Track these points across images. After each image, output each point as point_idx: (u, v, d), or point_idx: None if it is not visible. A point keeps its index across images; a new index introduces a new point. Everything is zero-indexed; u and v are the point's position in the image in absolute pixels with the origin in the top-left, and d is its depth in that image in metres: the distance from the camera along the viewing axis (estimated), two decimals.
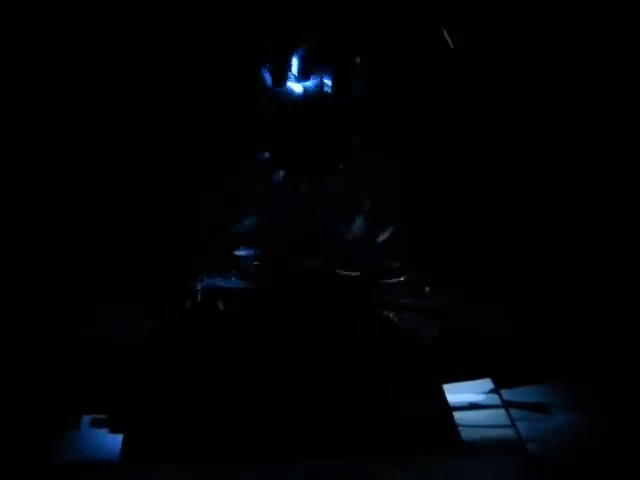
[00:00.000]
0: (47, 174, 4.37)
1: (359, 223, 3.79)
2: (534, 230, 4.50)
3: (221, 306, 3.73)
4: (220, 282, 3.81)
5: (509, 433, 4.04)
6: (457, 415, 4.09)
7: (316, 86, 3.55)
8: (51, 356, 4.32)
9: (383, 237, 3.79)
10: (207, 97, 3.81)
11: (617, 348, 4.52)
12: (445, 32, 3.66)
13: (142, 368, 4.02)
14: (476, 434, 4.00)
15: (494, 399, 4.35)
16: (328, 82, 3.56)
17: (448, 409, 4.04)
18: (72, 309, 4.36)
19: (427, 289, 3.91)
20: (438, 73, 3.89)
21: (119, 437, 4.05)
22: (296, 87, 3.59)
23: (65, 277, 4.37)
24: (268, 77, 3.58)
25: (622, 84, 4.47)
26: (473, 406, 4.25)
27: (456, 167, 4.16)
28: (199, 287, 3.81)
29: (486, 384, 4.45)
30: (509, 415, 4.19)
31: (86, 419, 4.27)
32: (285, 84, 3.57)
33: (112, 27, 3.99)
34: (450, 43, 3.60)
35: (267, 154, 3.68)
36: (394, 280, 3.84)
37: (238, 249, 3.87)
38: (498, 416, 4.20)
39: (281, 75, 3.52)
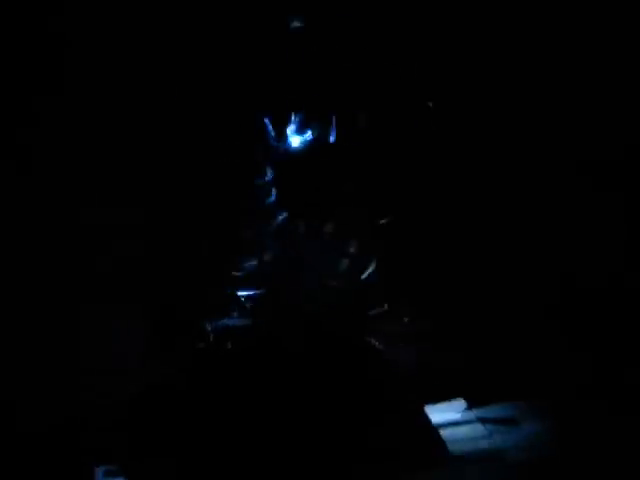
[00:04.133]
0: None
1: (346, 263, 4.29)
2: (500, 261, 5.08)
3: (229, 345, 4.12)
4: (228, 322, 4.19)
5: (487, 444, 4.54)
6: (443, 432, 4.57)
7: (311, 139, 4.10)
8: (63, 410, 4.59)
9: (368, 273, 4.30)
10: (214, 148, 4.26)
11: (570, 368, 5.11)
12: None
13: (150, 413, 4.33)
14: (458, 447, 4.48)
15: (469, 416, 4.87)
16: (322, 134, 4.12)
17: (432, 426, 4.52)
18: (80, 360, 4.65)
19: (405, 319, 4.42)
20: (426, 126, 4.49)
21: None
22: (294, 140, 4.15)
23: (73, 326, 4.67)
24: (270, 132, 4.13)
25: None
26: (452, 423, 4.74)
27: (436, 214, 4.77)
28: (209, 328, 4.19)
29: (460, 404, 4.97)
30: (485, 429, 4.70)
31: (99, 471, 4.57)
32: (285, 139, 4.12)
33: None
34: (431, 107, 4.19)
35: (270, 200, 4.18)
36: (378, 311, 4.34)
37: (240, 289, 4.27)
38: (475, 430, 4.71)
39: (281, 131, 4.09)
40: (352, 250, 4.25)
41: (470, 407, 4.93)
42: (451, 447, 4.45)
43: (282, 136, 4.08)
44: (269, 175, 4.14)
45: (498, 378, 5.04)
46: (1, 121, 4.43)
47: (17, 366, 4.68)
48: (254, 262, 4.24)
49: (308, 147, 4.09)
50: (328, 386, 4.24)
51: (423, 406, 4.62)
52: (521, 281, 5.11)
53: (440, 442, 4.41)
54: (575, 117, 5.04)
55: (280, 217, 4.12)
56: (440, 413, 4.76)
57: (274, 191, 4.16)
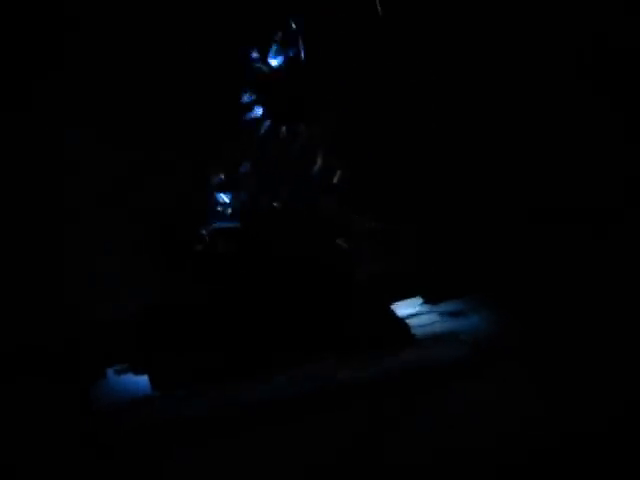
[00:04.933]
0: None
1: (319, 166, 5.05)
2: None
3: (222, 246, 4.80)
4: (219, 225, 4.89)
5: (441, 327, 5.34)
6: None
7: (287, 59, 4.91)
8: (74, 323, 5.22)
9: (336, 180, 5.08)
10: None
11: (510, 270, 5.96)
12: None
13: (156, 315, 4.98)
14: (419, 331, 5.27)
15: (425, 309, 5.69)
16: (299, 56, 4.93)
17: (397, 315, 5.30)
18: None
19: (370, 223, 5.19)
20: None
21: (142, 378, 5.00)
22: (273, 62, 4.96)
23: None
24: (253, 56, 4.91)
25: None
26: (411, 315, 5.54)
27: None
28: (204, 232, 4.88)
29: (416, 301, 5.79)
30: (439, 317, 5.52)
31: (110, 370, 5.22)
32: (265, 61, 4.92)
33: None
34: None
35: (252, 114, 4.93)
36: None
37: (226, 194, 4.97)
38: (431, 319, 5.52)
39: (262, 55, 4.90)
40: (321, 156, 4.99)
41: (425, 303, 5.76)
42: (413, 331, 5.25)
43: (264, 59, 4.84)
44: (250, 93, 4.85)
45: (449, 279, 5.88)
46: None
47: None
48: (239, 169, 4.91)
49: (285, 66, 4.85)
50: (306, 279, 4.98)
51: (388, 301, 5.39)
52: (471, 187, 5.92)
53: (406, 327, 5.19)
54: None
55: (264, 126, 4.85)
56: (400, 309, 5.54)
57: (257, 106, 4.89)
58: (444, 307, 5.70)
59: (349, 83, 5.00)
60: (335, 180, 5.02)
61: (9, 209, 5.39)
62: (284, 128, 4.93)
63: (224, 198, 4.92)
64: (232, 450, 4.13)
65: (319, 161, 4.97)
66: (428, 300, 5.74)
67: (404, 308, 5.60)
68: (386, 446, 3.89)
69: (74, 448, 4.34)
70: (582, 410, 3.90)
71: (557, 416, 3.92)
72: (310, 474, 3.72)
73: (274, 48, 4.84)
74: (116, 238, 5.39)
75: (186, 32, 4.95)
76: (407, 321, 5.34)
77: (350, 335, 5.01)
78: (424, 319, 5.49)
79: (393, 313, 5.28)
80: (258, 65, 4.86)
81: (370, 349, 4.92)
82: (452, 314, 5.59)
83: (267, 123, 4.91)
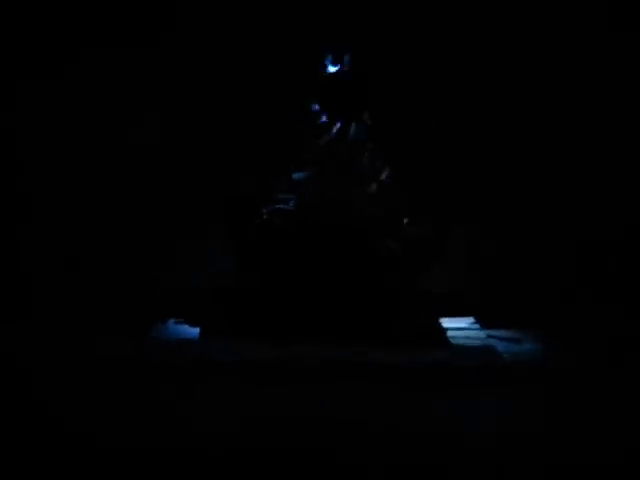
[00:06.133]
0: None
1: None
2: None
3: (279, 222, 5.42)
4: (279, 206, 5.51)
5: (486, 342, 5.45)
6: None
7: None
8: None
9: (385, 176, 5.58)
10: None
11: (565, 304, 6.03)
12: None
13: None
14: (459, 342, 5.43)
15: (476, 326, 5.82)
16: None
17: (441, 325, 5.50)
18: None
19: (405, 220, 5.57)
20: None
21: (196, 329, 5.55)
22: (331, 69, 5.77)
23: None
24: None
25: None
26: (459, 329, 5.70)
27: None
28: (264, 211, 5.51)
29: (468, 320, 5.94)
30: (484, 334, 5.63)
31: (171, 320, 5.85)
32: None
33: None
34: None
35: (315, 108, 5.70)
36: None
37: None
38: (477, 334, 5.65)
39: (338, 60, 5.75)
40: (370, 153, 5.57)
41: (477, 323, 5.89)
42: (453, 341, 5.40)
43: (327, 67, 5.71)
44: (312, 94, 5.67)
45: (507, 305, 6.01)
46: None
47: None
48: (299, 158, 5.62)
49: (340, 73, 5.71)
50: (354, 270, 5.38)
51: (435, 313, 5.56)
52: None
53: (442, 331, 5.38)
54: None
55: (320, 120, 5.63)
56: (449, 323, 5.72)
57: (315, 103, 5.69)
58: (495, 332, 5.79)
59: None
60: (383, 177, 5.49)
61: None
62: (339, 124, 5.61)
63: (284, 185, 5.61)
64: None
65: (368, 158, 5.51)
66: (480, 321, 5.88)
67: (451, 322, 5.77)
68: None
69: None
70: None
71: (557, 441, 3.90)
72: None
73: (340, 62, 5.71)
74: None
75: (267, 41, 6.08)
76: (451, 332, 5.50)
77: (389, 328, 5.27)
78: (468, 332, 5.64)
79: (434, 317, 5.46)
80: (322, 71, 5.70)
81: (406, 344, 5.15)
82: (501, 338, 5.67)
83: (323, 118, 5.64)
